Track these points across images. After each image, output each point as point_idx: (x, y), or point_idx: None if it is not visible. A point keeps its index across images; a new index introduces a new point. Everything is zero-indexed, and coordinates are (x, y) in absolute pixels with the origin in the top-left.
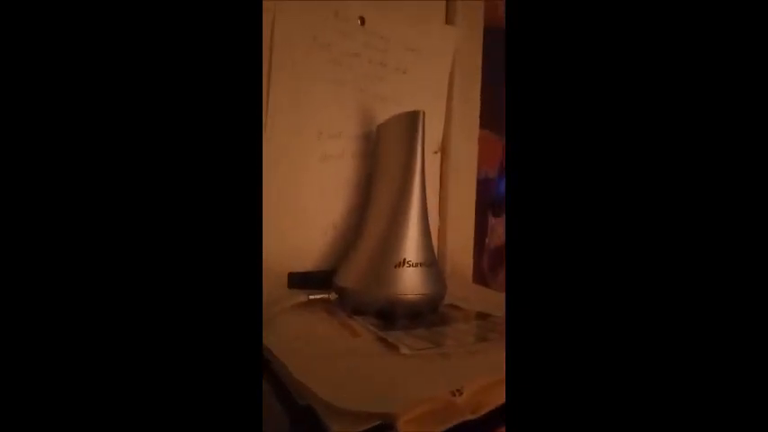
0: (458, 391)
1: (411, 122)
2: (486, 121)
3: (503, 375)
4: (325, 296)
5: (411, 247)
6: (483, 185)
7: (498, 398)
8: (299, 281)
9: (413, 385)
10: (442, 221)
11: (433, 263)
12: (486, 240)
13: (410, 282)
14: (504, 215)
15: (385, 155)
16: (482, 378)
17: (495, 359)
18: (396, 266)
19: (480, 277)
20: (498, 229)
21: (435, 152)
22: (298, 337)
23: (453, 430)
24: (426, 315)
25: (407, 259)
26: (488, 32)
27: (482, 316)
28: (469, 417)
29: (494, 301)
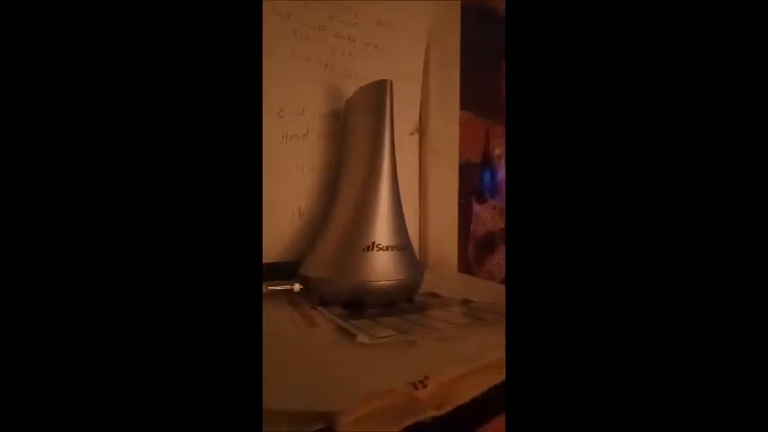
0: (421, 382)
1: (378, 93)
2: (466, 101)
3: (477, 364)
4: (288, 287)
5: (381, 229)
6: (465, 170)
7: (471, 391)
8: (263, 273)
9: (365, 378)
10: (422, 208)
11: (406, 246)
12: (472, 228)
13: (380, 267)
14: (488, 202)
15: (352, 131)
16: (453, 368)
17: (470, 345)
18: (364, 250)
19: (465, 266)
20: (483, 215)
21: (412, 134)
22: None
23: (414, 429)
24: (400, 304)
25: (377, 242)
26: (466, 8)
27: (464, 302)
28: (433, 413)
29: (480, 289)
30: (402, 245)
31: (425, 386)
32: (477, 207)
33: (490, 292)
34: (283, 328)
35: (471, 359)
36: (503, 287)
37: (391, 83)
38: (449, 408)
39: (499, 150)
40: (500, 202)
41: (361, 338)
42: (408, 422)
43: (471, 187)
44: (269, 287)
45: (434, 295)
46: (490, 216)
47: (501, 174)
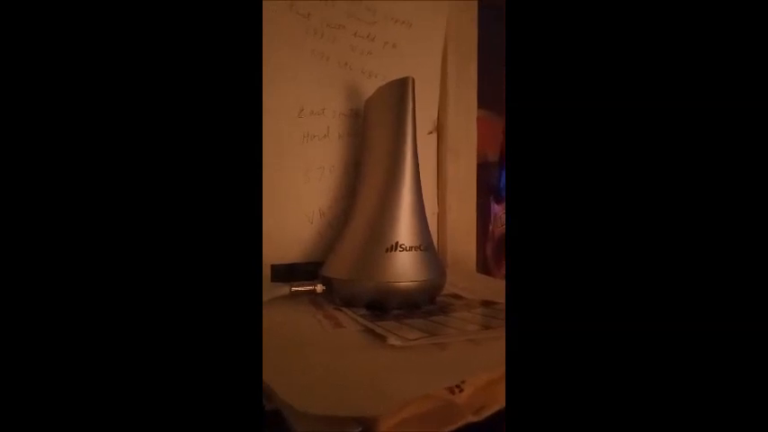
0: (457, 387)
1: (400, 91)
2: (484, 100)
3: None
4: (311, 288)
5: (404, 229)
6: (484, 169)
7: None
8: (284, 273)
9: (401, 382)
10: (440, 208)
11: (429, 247)
12: (490, 228)
13: (404, 267)
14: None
15: (373, 130)
16: (487, 372)
17: (503, 348)
18: (387, 251)
19: (484, 267)
20: (502, 215)
21: (430, 132)
22: (270, 332)
23: None
24: (424, 305)
25: (400, 243)
26: (484, 5)
27: (487, 303)
28: (472, 419)
29: (500, 290)
30: (425, 245)
31: (462, 391)
32: (495, 207)
33: None
34: (310, 328)
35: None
36: None
37: (413, 80)
38: (487, 413)
39: None
40: None
41: (393, 341)
42: (448, 429)
43: (489, 187)
44: (292, 288)
45: (457, 296)
46: None
47: None
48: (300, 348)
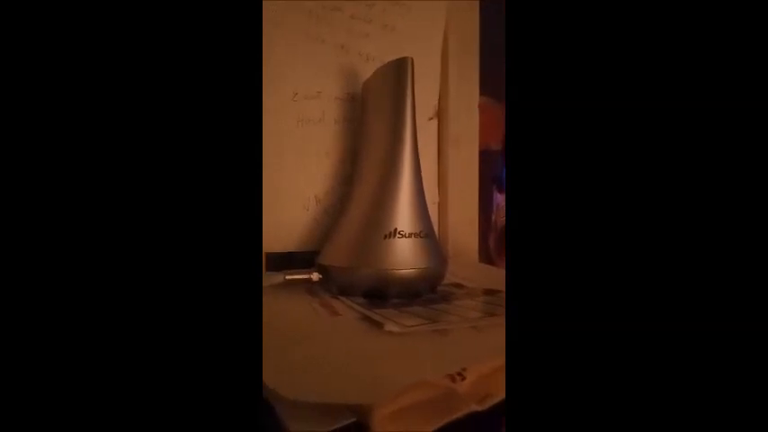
0: (459, 374)
1: (398, 72)
2: (486, 87)
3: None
4: (306, 276)
5: (403, 216)
6: (486, 157)
7: None
8: (280, 262)
9: (399, 369)
10: (441, 197)
11: (429, 233)
12: (493, 217)
13: (403, 255)
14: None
15: (371, 113)
16: (491, 359)
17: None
18: (385, 237)
19: (486, 257)
20: (504, 205)
21: (430, 119)
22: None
23: (454, 426)
24: (424, 293)
25: (399, 229)
26: None
27: (491, 292)
28: (475, 408)
29: (504, 279)
30: (425, 232)
31: (464, 378)
32: (498, 197)
33: None
34: (304, 317)
35: None
36: None
37: (412, 60)
38: (491, 402)
39: None
40: None
41: (390, 327)
42: (449, 418)
43: (491, 175)
44: (286, 276)
45: (458, 285)
46: None
47: None
48: (294, 336)
